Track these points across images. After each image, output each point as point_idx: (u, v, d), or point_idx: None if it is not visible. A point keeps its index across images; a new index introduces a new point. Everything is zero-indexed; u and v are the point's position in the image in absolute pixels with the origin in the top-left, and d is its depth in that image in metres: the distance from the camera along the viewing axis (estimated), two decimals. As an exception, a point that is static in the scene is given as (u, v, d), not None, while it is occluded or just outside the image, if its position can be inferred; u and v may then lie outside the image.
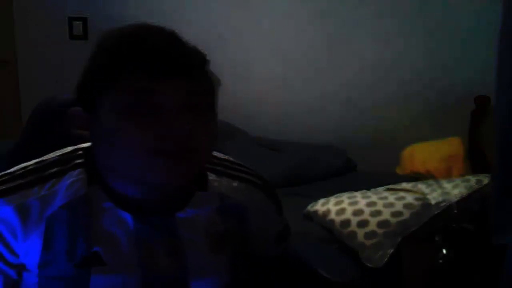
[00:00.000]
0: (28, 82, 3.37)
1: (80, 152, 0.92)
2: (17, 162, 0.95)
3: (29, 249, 0.85)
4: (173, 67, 0.82)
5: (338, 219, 1.93)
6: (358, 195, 2.02)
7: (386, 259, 1.78)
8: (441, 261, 1.79)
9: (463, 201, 1.90)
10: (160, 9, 3.06)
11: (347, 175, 2.59)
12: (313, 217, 2.04)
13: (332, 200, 2.03)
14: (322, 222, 1.99)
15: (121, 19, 3.10)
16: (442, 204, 1.89)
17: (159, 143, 0.81)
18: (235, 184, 0.98)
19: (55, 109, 1.27)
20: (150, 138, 0.81)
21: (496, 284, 1.12)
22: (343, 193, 2.07)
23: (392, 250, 1.80)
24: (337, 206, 1.98)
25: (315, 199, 2.10)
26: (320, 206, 2.04)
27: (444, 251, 1.80)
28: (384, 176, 2.39)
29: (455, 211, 1.88)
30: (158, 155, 0.82)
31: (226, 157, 1.03)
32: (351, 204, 1.96)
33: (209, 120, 0.86)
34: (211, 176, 0.96)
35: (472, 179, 2.02)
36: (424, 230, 1.85)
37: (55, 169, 0.89)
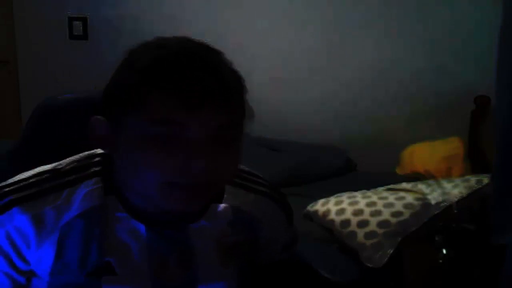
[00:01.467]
0: (28, 82, 3.37)
1: (98, 158, 0.91)
2: (17, 163, 0.94)
3: (41, 257, 0.85)
4: (206, 100, 0.78)
5: (338, 219, 1.93)
6: (358, 195, 2.02)
7: (386, 259, 1.78)
8: (441, 261, 1.79)
9: (463, 201, 1.90)
10: (160, 9, 3.07)
11: (347, 175, 2.59)
12: (313, 217, 2.04)
13: (332, 200, 2.03)
14: (322, 222, 1.99)
15: (121, 19, 3.10)
16: (442, 204, 1.89)
17: (177, 177, 0.79)
18: (250, 196, 0.97)
19: (55, 110, 1.26)
20: (168, 171, 0.79)
21: (496, 284, 1.12)
22: (343, 193, 2.07)
23: (392, 250, 1.80)
24: (337, 206, 1.98)
25: (315, 199, 2.10)
26: (320, 206, 2.04)
27: (444, 251, 1.79)
28: (384, 176, 2.39)
29: (455, 211, 1.87)
30: (175, 188, 0.80)
31: (243, 167, 1.00)
32: (351, 204, 1.96)
33: (234, 150, 0.84)
34: (228, 188, 0.95)
35: (472, 179, 2.01)
36: (424, 230, 1.85)
37: (71, 177, 0.88)
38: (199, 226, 0.90)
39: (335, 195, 2.07)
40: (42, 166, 0.91)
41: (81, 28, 3.24)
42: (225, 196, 0.94)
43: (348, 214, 1.92)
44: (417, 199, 1.93)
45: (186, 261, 0.90)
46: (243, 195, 0.97)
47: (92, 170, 0.89)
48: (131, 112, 0.80)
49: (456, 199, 1.90)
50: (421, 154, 2.54)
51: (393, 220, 1.86)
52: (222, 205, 0.93)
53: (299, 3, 2.94)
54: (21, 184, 0.87)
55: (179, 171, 0.79)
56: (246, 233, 0.95)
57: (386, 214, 1.88)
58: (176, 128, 0.78)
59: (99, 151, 0.92)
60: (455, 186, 1.97)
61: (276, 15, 2.97)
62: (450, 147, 2.51)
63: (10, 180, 0.89)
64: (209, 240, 0.91)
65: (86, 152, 0.93)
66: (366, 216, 1.89)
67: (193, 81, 0.78)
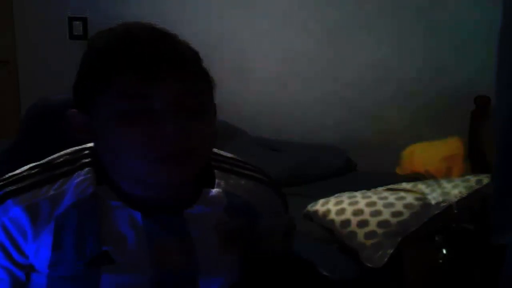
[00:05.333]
0: (28, 82, 3.37)
1: (87, 151, 0.92)
2: (11, 163, 0.95)
3: (38, 249, 0.85)
4: (165, 70, 0.81)
5: (338, 219, 1.93)
6: (358, 195, 2.02)
7: (386, 259, 1.78)
8: (441, 261, 1.79)
9: (463, 201, 1.90)
10: (160, 9, 3.07)
11: (347, 175, 2.59)
12: (313, 217, 2.04)
13: (332, 200, 2.03)
14: (322, 222, 1.99)
15: (121, 19, 3.09)
16: (442, 204, 1.89)
17: (156, 149, 0.81)
18: (242, 182, 0.98)
19: (49, 110, 1.26)
20: (146, 144, 0.81)
21: (496, 284, 1.12)
22: (343, 193, 2.07)
23: (392, 250, 1.80)
24: (337, 206, 1.98)
25: (315, 199, 2.10)
26: (320, 206, 2.04)
27: (444, 251, 1.80)
28: (384, 176, 2.39)
29: (455, 211, 1.88)
30: (154, 160, 0.82)
31: (231, 155, 1.02)
32: (351, 204, 1.96)
33: (206, 118, 0.85)
34: (218, 174, 0.96)
35: (472, 179, 2.02)
36: (424, 230, 1.85)
37: (63, 169, 0.89)
38: (194, 212, 0.91)
39: (335, 195, 2.07)
40: (32, 163, 0.92)
41: (81, 28, 3.24)
42: (216, 181, 0.95)
43: (348, 214, 1.92)
44: (417, 199, 1.93)
45: (186, 248, 0.90)
46: (236, 180, 0.97)
47: (82, 162, 0.90)
48: (97, 94, 0.83)
49: (456, 199, 1.90)
50: (421, 154, 2.54)
51: (393, 220, 1.86)
52: (215, 190, 0.93)
53: (299, 3, 2.94)
54: (14, 178, 0.89)
55: (152, 143, 0.81)
56: (243, 219, 0.95)
57: (386, 214, 1.88)
58: (141, 101, 0.80)
59: (89, 145, 0.93)
60: (455, 186, 1.97)
61: (276, 16, 2.97)
62: (450, 147, 2.51)
63: (1, 177, 0.90)
64: (206, 226, 0.91)
65: (76, 147, 0.94)
66: (366, 216, 1.89)
67: (148, 54, 0.81)
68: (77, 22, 3.24)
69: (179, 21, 2.94)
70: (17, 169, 0.91)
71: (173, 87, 0.81)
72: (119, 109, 0.81)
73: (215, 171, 0.96)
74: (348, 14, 2.87)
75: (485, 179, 1.97)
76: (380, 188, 2.09)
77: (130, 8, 3.12)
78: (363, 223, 1.87)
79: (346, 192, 2.07)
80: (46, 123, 1.24)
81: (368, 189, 2.10)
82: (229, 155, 1.02)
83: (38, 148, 1.06)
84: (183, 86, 0.82)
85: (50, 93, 1.34)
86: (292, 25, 2.96)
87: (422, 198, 1.93)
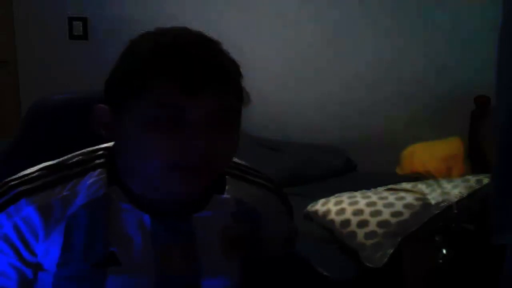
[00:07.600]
0: (28, 82, 3.37)
1: (101, 152, 0.92)
2: (12, 162, 0.95)
3: (48, 249, 0.85)
4: (205, 84, 0.81)
5: (338, 219, 1.93)
6: (358, 195, 2.02)
7: (386, 259, 1.78)
8: (441, 261, 1.79)
9: (463, 201, 1.90)
10: (160, 9, 3.06)
11: (347, 175, 2.59)
12: (313, 217, 2.04)
13: (332, 200, 2.03)
14: (322, 222, 2.00)
15: (121, 19, 3.10)
16: (442, 204, 1.89)
17: (179, 159, 0.81)
18: (251, 189, 0.99)
19: (49, 110, 1.26)
20: (170, 153, 0.81)
21: (496, 284, 1.12)
22: (343, 193, 2.07)
23: (392, 250, 1.80)
24: (337, 206, 1.98)
25: (315, 199, 2.10)
26: (320, 206, 2.04)
27: (444, 251, 1.80)
28: (384, 176, 2.39)
29: (455, 211, 1.88)
30: (176, 170, 0.82)
31: (242, 162, 1.03)
32: (351, 204, 1.96)
33: (232, 135, 0.86)
34: (229, 180, 0.96)
35: (472, 179, 2.02)
36: (424, 230, 1.85)
37: (76, 170, 0.90)
38: (203, 217, 0.91)
39: (335, 195, 2.07)
40: (45, 163, 0.92)
41: (81, 28, 3.24)
42: (227, 187, 0.95)
43: (348, 214, 1.92)
44: (417, 199, 1.93)
45: (190, 253, 0.90)
46: (245, 187, 0.98)
47: (95, 162, 0.91)
48: (133, 97, 0.82)
49: (456, 199, 1.90)
50: (421, 154, 2.54)
51: (393, 220, 1.86)
52: (225, 196, 0.94)
53: (299, 3, 2.94)
54: (27, 177, 0.88)
55: (179, 153, 0.81)
56: (249, 225, 0.96)
57: (386, 214, 1.88)
58: (176, 111, 0.80)
59: (104, 145, 0.93)
60: (455, 186, 1.97)
61: (276, 15, 2.97)
62: (450, 147, 2.51)
63: (15, 176, 0.90)
64: (213, 231, 0.92)
65: (89, 148, 0.94)
66: (366, 216, 1.89)
67: (191, 66, 0.81)
68: (77, 22, 3.24)
69: (179, 21, 2.94)
70: (16, 169, 0.91)
71: (209, 102, 0.81)
72: (150, 114, 0.81)
73: (226, 177, 0.97)
74: (348, 14, 2.87)
75: (485, 179, 1.97)
76: (380, 188, 2.09)
77: (130, 8, 3.12)
78: (363, 223, 1.87)
79: (346, 192, 2.07)
80: (46, 123, 1.24)
81: (368, 189, 2.10)
82: (240, 161, 1.03)
83: (38, 148, 1.06)
84: (219, 102, 0.82)
85: (50, 93, 1.34)
86: (292, 25, 2.96)
87: (422, 198, 1.93)
